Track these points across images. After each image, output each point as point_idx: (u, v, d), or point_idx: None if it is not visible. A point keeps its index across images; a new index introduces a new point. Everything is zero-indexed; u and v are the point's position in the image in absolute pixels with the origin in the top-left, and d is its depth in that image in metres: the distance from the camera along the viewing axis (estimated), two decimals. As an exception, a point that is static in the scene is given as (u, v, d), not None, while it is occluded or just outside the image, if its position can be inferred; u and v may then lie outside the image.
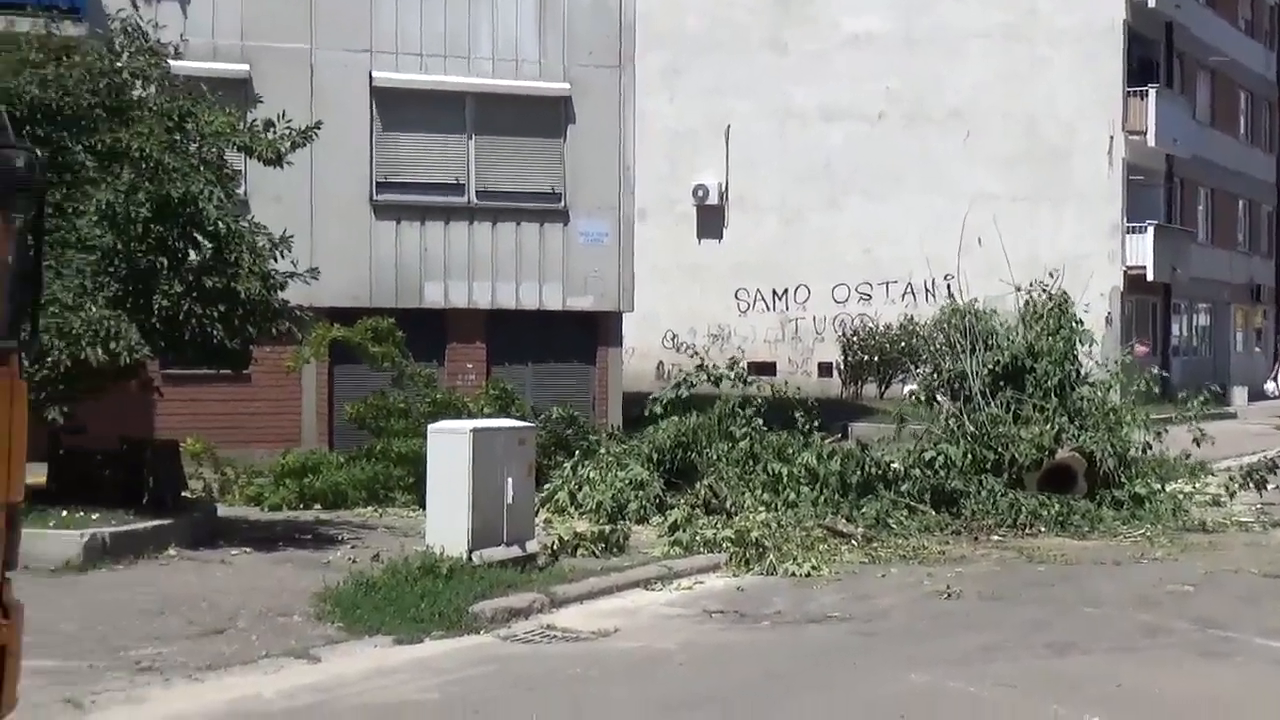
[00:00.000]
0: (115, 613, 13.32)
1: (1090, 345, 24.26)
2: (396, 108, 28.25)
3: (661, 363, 47.33)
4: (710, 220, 50.53)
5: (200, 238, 17.44)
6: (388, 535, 18.61)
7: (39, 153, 7.63)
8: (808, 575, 17.09)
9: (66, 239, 16.68)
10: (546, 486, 20.96)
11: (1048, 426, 22.27)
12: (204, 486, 20.93)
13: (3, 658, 7.53)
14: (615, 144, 29.51)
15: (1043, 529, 20.76)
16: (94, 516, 16.25)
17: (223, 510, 19.72)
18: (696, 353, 24.27)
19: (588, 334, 29.53)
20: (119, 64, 18.20)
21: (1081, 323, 24.26)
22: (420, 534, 16.62)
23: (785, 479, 20.76)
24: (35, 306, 7.91)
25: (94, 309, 16.01)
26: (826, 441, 22.05)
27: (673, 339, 48.41)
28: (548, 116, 29.16)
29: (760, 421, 22.03)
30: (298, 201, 25.82)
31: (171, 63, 18.76)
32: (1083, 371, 23.82)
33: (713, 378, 22.76)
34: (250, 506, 20.95)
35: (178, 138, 17.72)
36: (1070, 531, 20.73)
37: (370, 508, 21.19)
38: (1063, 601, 15.76)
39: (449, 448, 15.78)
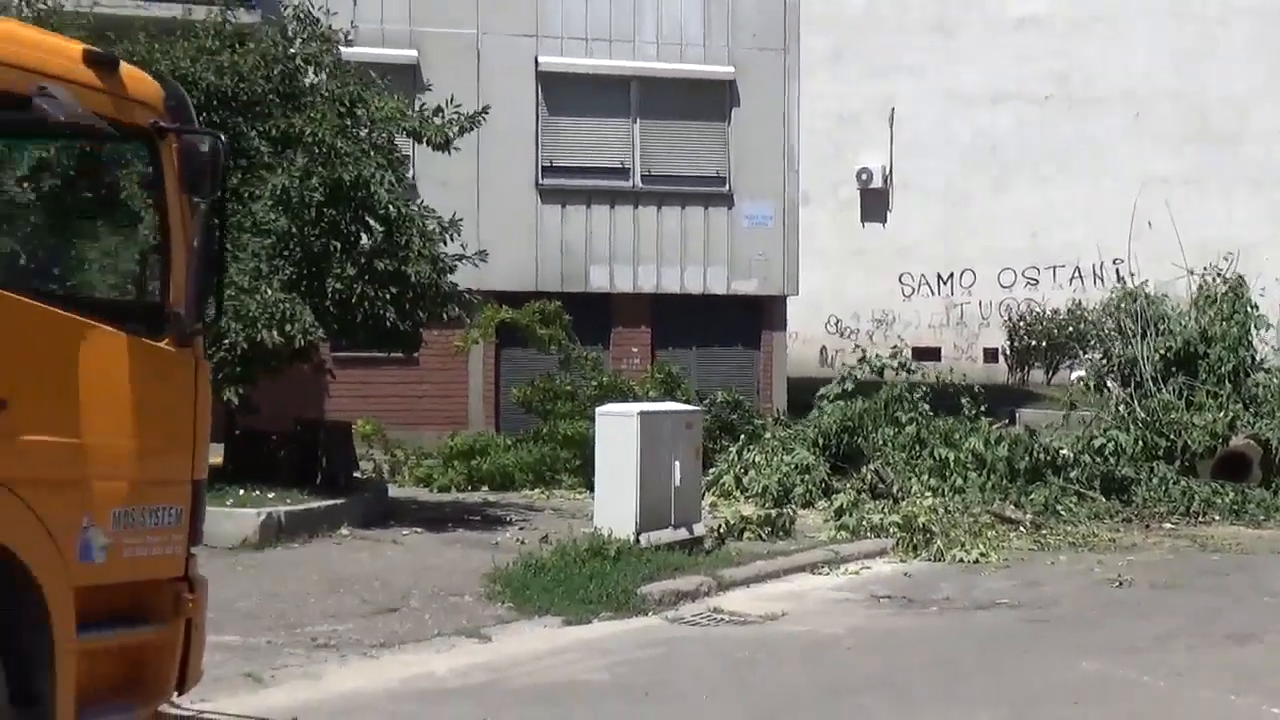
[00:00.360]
0: (292, 590, 13.56)
1: (1266, 331, 23.81)
2: (562, 92, 28.35)
3: (825, 348, 47.06)
4: (874, 204, 50.04)
5: (372, 221, 17.68)
6: (555, 517, 18.75)
7: (222, 137, 7.76)
8: (976, 561, 16.99)
9: (242, 223, 16.96)
10: (712, 470, 21.02)
11: (1221, 413, 21.92)
12: (375, 467, 21.24)
13: (189, 631, 7.71)
14: (779, 127, 29.37)
15: (1216, 517, 20.47)
16: (269, 495, 16.58)
17: (393, 491, 20.00)
18: (858, 345, 24.17)
19: (752, 318, 29.42)
20: (292, 51, 18.53)
21: (1257, 307, 23.78)
22: (587, 516, 16.71)
23: (952, 464, 20.63)
24: (218, 290, 8.06)
25: (270, 292, 16.29)
26: (994, 427, 21.90)
27: (836, 324, 48.11)
28: (712, 100, 29.11)
29: (926, 406, 21.91)
30: (464, 186, 25.99)
31: (342, 49, 19.04)
32: (1258, 358, 23.38)
33: (875, 369, 22.72)
34: (419, 487, 21.23)
35: (349, 123, 17.97)
36: (1245, 520, 20.41)
37: (537, 490, 21.39)
38: (1238, 590, 15.50)
39: (617, 430, 15.84)
